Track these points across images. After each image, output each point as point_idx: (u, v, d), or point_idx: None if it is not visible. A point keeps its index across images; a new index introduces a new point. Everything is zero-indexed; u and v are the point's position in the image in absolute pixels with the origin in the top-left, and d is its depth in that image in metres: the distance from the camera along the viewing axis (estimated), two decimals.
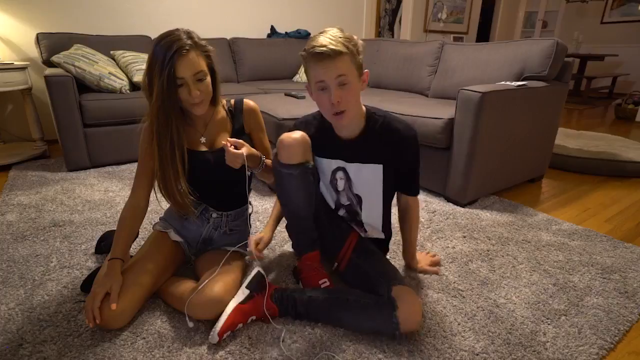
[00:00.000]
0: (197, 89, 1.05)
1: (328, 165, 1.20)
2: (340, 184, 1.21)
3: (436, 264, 1.40)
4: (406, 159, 1.15)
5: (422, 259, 1.39)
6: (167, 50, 1.00)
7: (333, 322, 1.09)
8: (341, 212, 1.28)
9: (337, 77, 0.99)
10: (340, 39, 0.98)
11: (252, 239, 1.26)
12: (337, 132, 1.16)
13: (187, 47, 1.02)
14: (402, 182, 1.21)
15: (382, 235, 1.29)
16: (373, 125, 1.13)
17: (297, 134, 1.10)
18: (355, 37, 1.03)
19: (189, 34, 1.05)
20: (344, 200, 1.24)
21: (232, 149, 1.07)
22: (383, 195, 1.19)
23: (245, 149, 1.10)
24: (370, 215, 1.23)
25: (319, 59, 0.98)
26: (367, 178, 1.17)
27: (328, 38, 0.98)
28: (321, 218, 1.25)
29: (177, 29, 1.05)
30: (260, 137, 1.30)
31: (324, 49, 0.96)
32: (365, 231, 1.27)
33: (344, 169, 1.18)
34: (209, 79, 1.09)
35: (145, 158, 1.15)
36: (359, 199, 1.21)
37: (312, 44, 0.99)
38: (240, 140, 1.11)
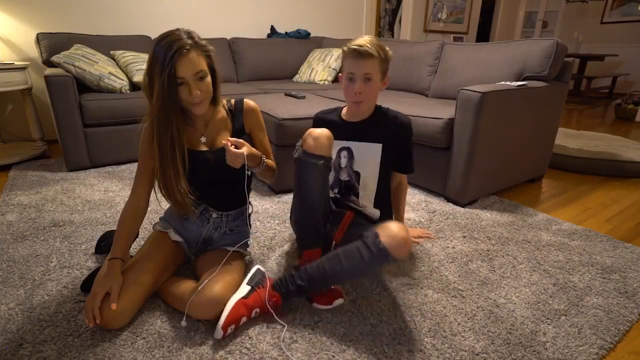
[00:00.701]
0: (197, 89, 1.05)
1: (336, 145, 1.34)
2: (343, 162, 1.34)
3: (422, 236, 1.57)
4: (402, 140, 1.35)
5: (412, 231, 1.58)
6: (168, 50, 1.00)
7: (332, 280, 1.13)
8: (336, 192, 1.38)
9: (364, 74, 1.21)
10: (375, 45, 1.20)
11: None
12: (345, 118, 1.37)
13: (188, 47, 1.02)
14: (400, 162, 1.39)
15: (376, 213, 1.38)
16: (377, 114, 1.35)
17: (325, 130, 1.19)
18: (387, 48, 1.25)
19: (190, 34, 1.05)
20: (344, 177, 1.37)
21: (232, 148, 1.07)
22: (379, 173, 1.34)
23: (246, 149, 1.10)
24: (366, 192, 1.37)
25: (355, 56, 1.20)
26: (368, 155, 1.34)
27: (367, 41, 1.20)
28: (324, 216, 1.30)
29: (178, 29, 1.05)
30: (261, 136, 1.30)
31: (360, 48, 1.18)
32: (361, 205, 1.37)
33: (348, 148, 1.35)
34: (209, 78, 1.09)
35: (146, 158, 1.15)
36: (357, 175, 1.36)
37: (353, 42, 1.21)
38: (241, 140, 1.11)
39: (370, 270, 1.12)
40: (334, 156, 1.34)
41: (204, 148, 1.19)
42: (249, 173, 1.21)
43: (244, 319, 1.06)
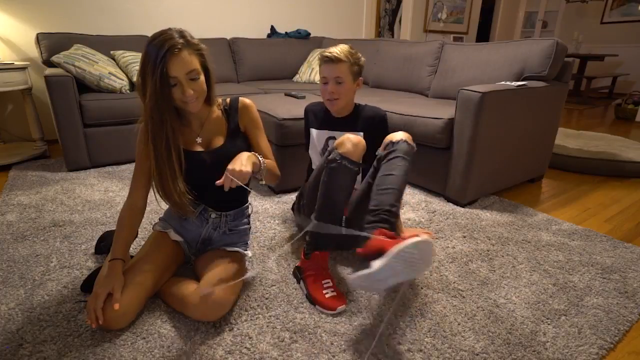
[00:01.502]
0: (190, 89, 1.04)
1: (324, 135, 1.53)
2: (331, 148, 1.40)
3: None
4: (380, 130, 1.46)
5: (411, 231, 1.55)
6: (159, 49, 0.99)
7: (398, 193, 1.21)
8: None
9: (334, 77, 1.37)
10: (345, 52, 1.36)
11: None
12: (332, 114, 1.51)
13: (180, 46, 1.00)
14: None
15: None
16: (356, 111, 1.53)
17: (361, 138, 1.25)
18: (360, 54, 1.42)
19: (181, 33, 1.04)
20: None
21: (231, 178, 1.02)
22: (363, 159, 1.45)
23: (246, 165, 1.04)
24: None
25: (326, 61, 1.37)
26: None
27: (337, 49, 1.36)
28: None
29: (170, 28, 1.03)
30: (257, 134, 1.28)
31: (330, 55, 1.36)
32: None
33: (334, 137, 1.51)
34: (202, 77, 1.08)
35: (142, 158, 1.15)
36: None
37: (325, 50, 1.38)
38: (236, 170, 1.04)
39: (409, 166, 1.24)
40: (322, 144, 1.53)
41: (199, 149, 1.19)
42: (250, 189, 1.18)
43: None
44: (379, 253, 0.96)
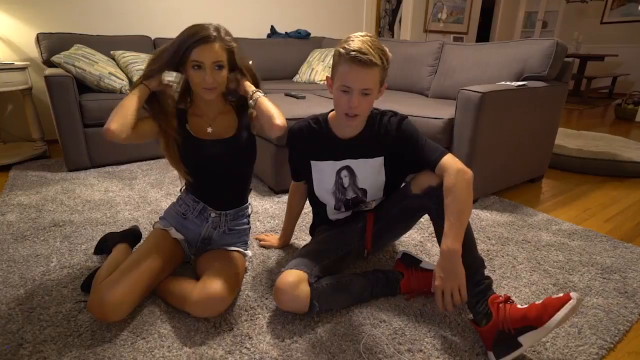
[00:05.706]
0: (212, 76, 1.08)
1: (332, 167, 1.22)
2: (346, 181, 1.23)
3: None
4: (405, 141, 1.16)
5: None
6: (192, 36, 1.06)
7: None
8: (343, 210, 1.30)
9: (362, 89, 1.03)
10: (377, 49, 1.01)
11: (269, 236, 1.55)
12: (336, 133, 1.19)
13: (212, 38, 1.07)
14: (420, 163, 1.15)
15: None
16: (371, 124, 1.19)
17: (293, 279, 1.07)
18: (386, 48, 1.06)
19: (217, 28, 1.11)
20: (350, 194, 1.25)
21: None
22: (386, 185, 1.25)
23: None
24: (376, 199, 1.30)
25: (353, 63, 1.00)
26: (370, 171, 1.22)
27: (368, 45, 1.00)
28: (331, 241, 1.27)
29: (210, 23, 1.10)
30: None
31: (363, 56, 0.98)
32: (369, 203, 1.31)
33: (347, 167, 1.21)
34: (226, 71, 1.13)
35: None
36: (364, 192, 1.25)
37: (352, 44, 1.00)
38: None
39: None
40: (333, 179, 1.22)
41: (209, 137, 1.20)
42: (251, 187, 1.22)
43: None
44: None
